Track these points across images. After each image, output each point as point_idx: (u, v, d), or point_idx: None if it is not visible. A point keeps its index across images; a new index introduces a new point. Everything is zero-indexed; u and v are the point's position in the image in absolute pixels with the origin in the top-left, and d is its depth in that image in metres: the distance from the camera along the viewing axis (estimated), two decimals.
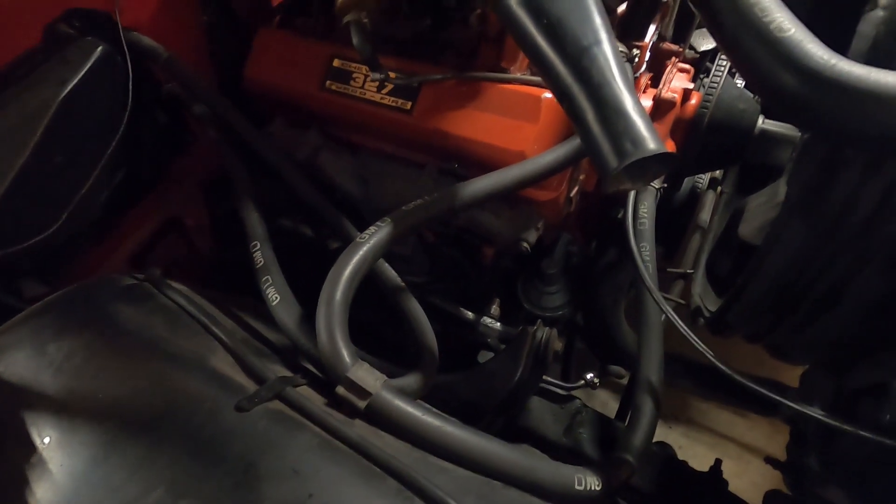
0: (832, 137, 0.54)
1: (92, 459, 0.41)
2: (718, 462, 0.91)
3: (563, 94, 0.49)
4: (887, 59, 0.52)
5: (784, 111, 0.54)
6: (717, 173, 1.18)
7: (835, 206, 0.58)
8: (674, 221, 1.11)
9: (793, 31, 0.49)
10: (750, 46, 0.50)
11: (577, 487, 0.56)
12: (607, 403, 1.69)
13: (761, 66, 0.50)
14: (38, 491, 0.39)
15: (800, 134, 0.95)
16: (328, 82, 0.86)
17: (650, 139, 0.45)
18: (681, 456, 0.92)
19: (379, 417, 0.50)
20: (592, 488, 0.58)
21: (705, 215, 1.10)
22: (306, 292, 0.70)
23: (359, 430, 0.47)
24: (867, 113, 0.46)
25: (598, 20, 0.48)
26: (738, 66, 0.54)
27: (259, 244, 0.74)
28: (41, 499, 0.39)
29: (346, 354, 0.53)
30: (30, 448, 0.42)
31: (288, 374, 0.54)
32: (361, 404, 0.50)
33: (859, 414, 0.71)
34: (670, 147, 0.96)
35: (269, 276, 0.69)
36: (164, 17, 0.87)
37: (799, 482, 0.88)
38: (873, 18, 0.55)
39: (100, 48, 0.77)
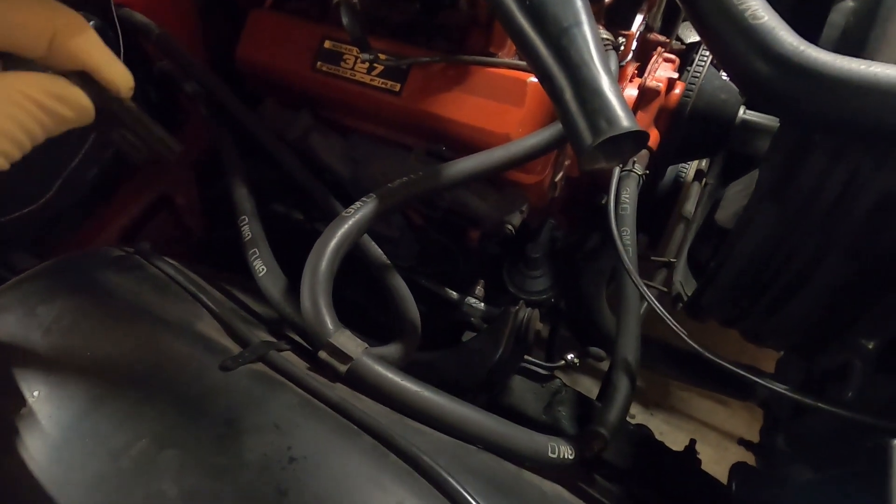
0: (800, 122, 0.56)
1: (80, 411, 0.42)
2: (693, 442, 0.94)
3: (543, 74, 0.51)
4: (856, 48, 0.54)
5: (756, 96, 0.56)
6: (703, 165, 1.21)
7: (802, 191, 0.60)
8: (657, 210, 1.13)
9: (766, 18, 0.51)
10: (725, 33, 0.52)
11: (550, 455, 0.59)
12: (592, 391, 1.72)
13: (735, 52, 0.52)
14: (28, 440, 0.41)
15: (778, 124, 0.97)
16: (319, 63, 0.87)
17: (624, 117, 0.46)
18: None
19: (359, 381, 0.52)
20: (565, 457, 0.60)
21: (690, 206, 1.13)
22: (295, 276, 0.71)
23: (339, 392, 0.49)
24: (832, 98, 0.48)
25: (578, 3, 0.50)
26: (715, 52, 0.56)
27: (247, 218, 0.75)
28: (30, 447, 0.41)
29: (328, 321, 0.54)
30: (20, 401, 0.43)
31: (273, 340, 0.56)
32: (342, 368, 0.52)
33: (826, 394, 0.74)
34: (653, 134, 0.98)
35: (256, 249, 0.71)
36: None
37: (769, 462, 0.91)
38: (843, 9, 0.57)
39: (90, 23, 0.77)
